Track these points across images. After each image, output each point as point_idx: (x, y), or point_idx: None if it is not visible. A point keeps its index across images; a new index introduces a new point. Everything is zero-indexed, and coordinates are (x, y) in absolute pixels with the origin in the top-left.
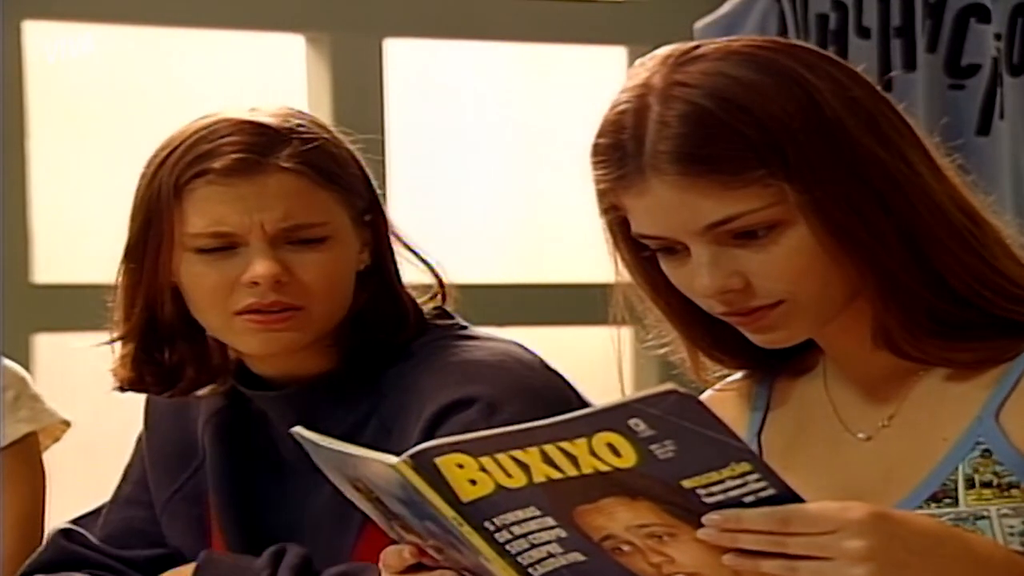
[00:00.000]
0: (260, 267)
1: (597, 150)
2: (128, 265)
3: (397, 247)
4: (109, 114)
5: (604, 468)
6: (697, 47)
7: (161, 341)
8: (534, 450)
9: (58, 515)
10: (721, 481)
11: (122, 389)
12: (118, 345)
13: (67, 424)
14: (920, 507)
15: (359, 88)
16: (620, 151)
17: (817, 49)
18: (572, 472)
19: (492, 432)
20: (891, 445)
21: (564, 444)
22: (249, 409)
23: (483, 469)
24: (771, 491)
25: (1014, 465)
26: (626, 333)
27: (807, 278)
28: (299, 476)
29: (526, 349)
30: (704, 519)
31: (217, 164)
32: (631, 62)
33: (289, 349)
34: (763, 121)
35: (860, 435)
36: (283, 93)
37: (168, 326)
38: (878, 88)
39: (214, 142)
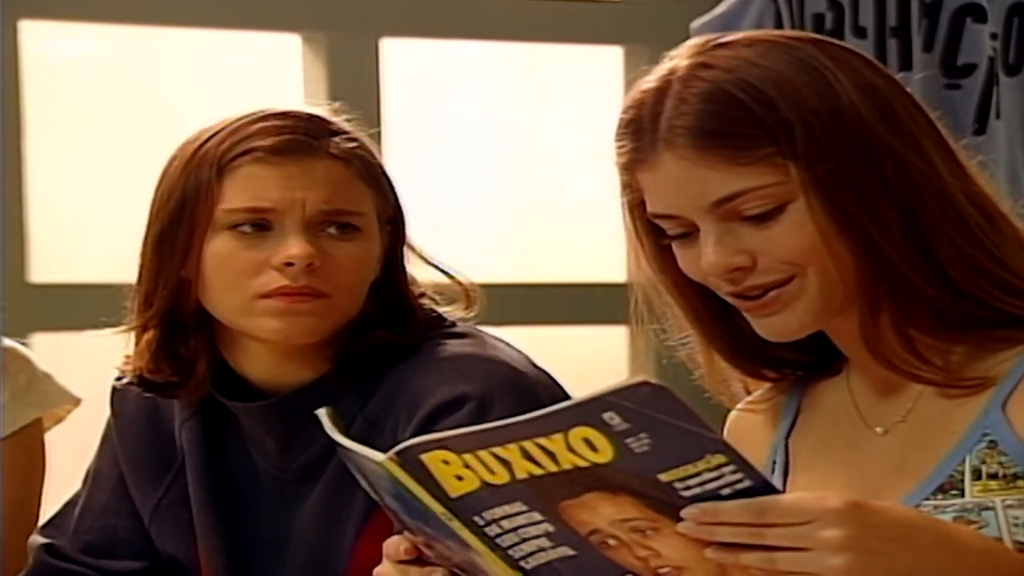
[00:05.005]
0: (296, 247)
1: (619, 126)
2: (157, 249)
3: (414, 261)
4: (105, 114)
5: (582, 464)
6: (725, 36)
7: (182, 331)
8: (514, 447)
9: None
10: (697, 474)
11: (138, 381)
12: (132, 336)
13: (76, 403)
14: (928, 498)
15: (356, 88)
16: (637, 125)
17: (842, 44)
18: (552, 468)
19: (473, 429)
20: (905, 439)
21: (542, 440)
22: (224, 417)
23: (467, 466)
24: (748, 483)
25: (1018, 456)
26: (621, 333)
27: (810, 256)
28: (280, 485)
29: (511, 346)
30: (683, 513)
31: (265, 143)
32: (627, 62)
33: (306, 336)
34: (776, 101)
35: (878, 430)
36: (280, 93)
37: (189, 315)
38: (899, 82)
39: (262, 123)
